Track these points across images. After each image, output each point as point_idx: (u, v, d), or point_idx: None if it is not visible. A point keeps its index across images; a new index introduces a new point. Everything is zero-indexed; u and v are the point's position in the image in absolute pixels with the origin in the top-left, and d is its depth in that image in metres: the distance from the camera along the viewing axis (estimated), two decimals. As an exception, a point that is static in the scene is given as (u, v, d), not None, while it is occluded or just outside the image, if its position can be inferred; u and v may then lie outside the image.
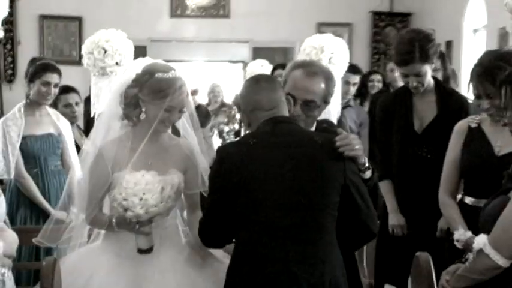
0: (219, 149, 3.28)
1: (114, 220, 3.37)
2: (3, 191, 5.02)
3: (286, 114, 3.21)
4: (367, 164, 3.15)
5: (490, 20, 9.80)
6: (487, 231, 2.79)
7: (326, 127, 3.66)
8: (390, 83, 7.06)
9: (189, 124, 3.65)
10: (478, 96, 3.64)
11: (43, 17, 11.84)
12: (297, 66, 3.57)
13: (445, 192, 3.88)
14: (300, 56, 6.61)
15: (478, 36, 10.28)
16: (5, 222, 2.83)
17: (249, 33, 12.09)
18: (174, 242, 3.56)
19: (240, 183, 3.03)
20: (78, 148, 5.54)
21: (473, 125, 3.78)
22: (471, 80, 3.66)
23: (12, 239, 2.73)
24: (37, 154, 5.21)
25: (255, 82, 3.29)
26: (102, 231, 3.60)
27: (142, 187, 3.23)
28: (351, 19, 12.07)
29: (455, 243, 3.53)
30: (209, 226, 3.20)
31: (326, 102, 3.49)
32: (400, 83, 6.80)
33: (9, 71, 11.51)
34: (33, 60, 5.56)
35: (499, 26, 9.25)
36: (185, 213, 3.84)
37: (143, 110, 3.42)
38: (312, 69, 3.53)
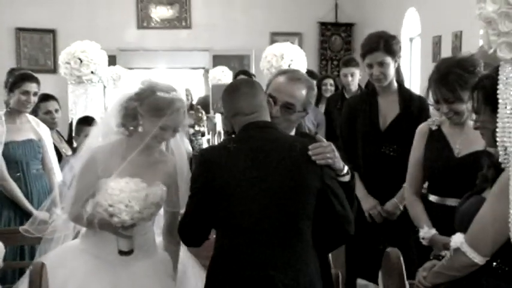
0: (200, 153, 3.12)
1: (96, 222, 3.17)
2: None
3: (268, 118, 3.00)
4: (345, 170, 2.94)
5: (424, 29, 9.96)
6: (463, 230, 2.63)
7: (305, 132, 3.47)
8: (344, 86, 6.96)
9: (182, 142, 3.53)
10: (436, 102, 3.49)
11: (19, 30, 11.72)
12: (281, 73, 3.35)
13: (410, 192, 3.73)
14: (262, 63, 6.53)
15: (414, 44, 10.41)
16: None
17: (208, 42, 12.04)
18: (150, 249, 3.37)
19: (219, 188, 2.83)
20: (58, 152, 5.46)
21: (434, 128, 3.63)
22: (429, 86, 3.51)
23: None
24: (19, 159, 4.97)
25: (236, 88, 3.07)
26: (83, 229, 3.42)
27: (127, 194, 3.06)
28: (300, 29, 12.04)
29: (421, 240, 3.44)
30: (188, 226, 2.99)
31: (305, 110, 3.24)
32: (353, 87, 6.82)
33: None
34: (11, 71, 5.35)
35: (433, 35, 9.49)
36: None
37: (140, 123, 3.25)
38: (295, 75, 3.31)
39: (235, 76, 8.27)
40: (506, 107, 2.31)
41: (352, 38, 12.71)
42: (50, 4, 11.43)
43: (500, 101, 2.34)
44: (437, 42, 9.44)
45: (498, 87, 2.35)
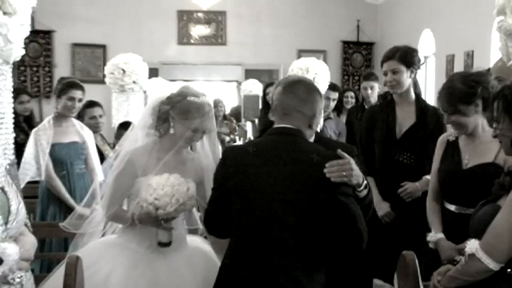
0: (225, 150, 2.88)
1: (136, 217, 3.08)
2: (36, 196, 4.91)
3: (301, 125, 2.69)
4: (363, 185, 2.64)
5: (438, 49, 9.86)
6: (478, 237, 2.41)
7: (327, 140, 3.25)
8: (364, 99, 6.78)
9: (208, 143, 3.37)
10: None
11: (74, 45, 11.75)
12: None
13: (430, 199, 3.49)
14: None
15: (429, 62, 10.15)
16: (26, 225, 2.41)
17: (241, 58, 11.97)
18: (182, 242, 3.23)
19: (234, 188, 2.65)
20: (100, 154, 5.40)
21: (451, 139, 3.40)
22: (437, 98, 3.35)
23: (30, 244, 2.34)
24: (64, 159, 4.92)
25: (292, 84, 2.76)
26: (120, 225, 3.29)
27: (171, 188, 2.96)
28: (325, 47, 11.85)
29: (429, 243, 3.27)
30: (210, 217, 2.83)
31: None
32: (372, 99, 6.61)
33: (47, 89, 11.47)
34: (61, 80, 5.27)
35: (446, 53, 9.39)
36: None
37: (171, 125, 3.16)
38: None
39: (265, 88, 8.16)
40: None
41: (372, 55, 12.55)
42: (101, 23, 11.48)
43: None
44: (450, 61, 9.34)
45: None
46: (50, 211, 4.87)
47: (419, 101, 4.15)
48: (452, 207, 3.30)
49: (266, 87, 8.14)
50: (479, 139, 3.24)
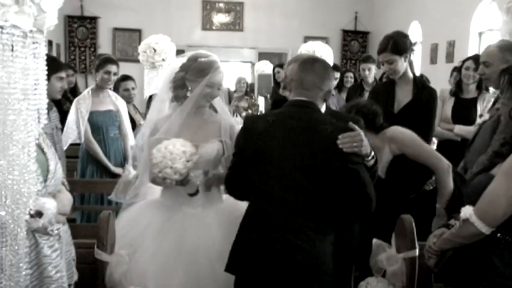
0: (246, 119, 2.66)
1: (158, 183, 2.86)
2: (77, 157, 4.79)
3: (316, 99, 2.48)
4: (370, 156, 2.44)
5: (424, 38, 9.68)
6: (472, 203, 2.17)
7: (336, 112, 3.03)
8: (362, 79, 6.52)
9: (225, 104, 3.16)
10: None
11: (115, 29, 11.63)
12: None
13: None
14: None
15: (416, 49, 9.67)
16: (63, 183, 2.21)
17: (255, 43, 11.77)
18: (214, 198, 2.94)
19: (254, 153, 2.43)
20: (133, 121, 5.19)
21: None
22: None
23: (67, 200, 2.15)
24: (101, 125, 4.71)
25: (312, 62, 2.54)
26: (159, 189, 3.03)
27: (168, 158, 2.69)
28: (327, 34, 11.52)
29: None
30: (231, 180, 2.60)
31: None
32: (370, 79, 6.35)
33: (92, 66, 11.31)
34: (98, 56, 5.08)
35: (431, 42, 9.33)
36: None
37: (189, 88, 2.90)
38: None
39: (274, 67, 7.97)
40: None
41: (367, 43, 12.29)
42: (137, 11, 11.35)
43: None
44: (434, 49, 9.23)
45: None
46: (89, 170, 4.71)
47: (416, 81, 3.88)
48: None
49: (275, 68, 8.00)
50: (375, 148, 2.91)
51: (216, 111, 3.06)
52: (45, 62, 1.69)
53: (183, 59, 2.97)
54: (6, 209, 1.65)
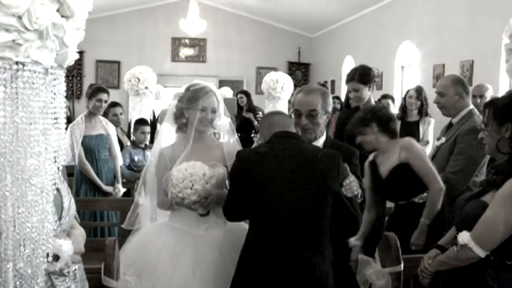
0: (239, 153, 2.24)
1: (174, 203, 2.41)
2: (72, 175, 4.31)
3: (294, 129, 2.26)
4: (360, 196, 2.21)
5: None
6: (466, 228, 1.88)
7: (334, 141, 2.73)
8: None
9: (229, 134, 2.74)
10: None
11: (98, 61, 11.15)
12: (299, 91, 2.58)
13: (365, 209, 2.83)
14: (263, 85, 5.83)
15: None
16: (75, 217, 1.77)
17: (216, 72, 11.30)
18: (221, 222, 2.49)
19: (251, 184, 2.08)
20: (120, 143, 4.80)
21: (371, 159, 2.77)
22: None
23: (81, 237, 1.74)
24: (93, 148, 4.28)
25: (275, 113, 2.45)
26: (168, 212, 2.60)
27: (188, 180, 2.31)
28: (276, 65, 11.20)
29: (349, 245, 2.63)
30: (228, 210, 2.23)
31: (326, 112, 2.48)
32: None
33: (78, 92, 10.92)
34: (91, 85, 4.66)
35: None
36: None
37: (186, 116, 2.54)
38: (309, 88, 2.56)
39: (237, 94, 7.64)
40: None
41: (308, 72, 12.12)
42: (117, 45, 10.90)
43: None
44: None
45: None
46: (83, 189, 4.27)
47: None
48: (400, 202, 2.75)
49: (238, 93, 7.72)
50: (384, 149, 2.68)
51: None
52: (64, 99, 1.28)
53: (181, 91, 2.60)
54: (26, 259, 1.23)
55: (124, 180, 4.48)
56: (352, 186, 2.14)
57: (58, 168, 1.35)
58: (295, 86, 11.64)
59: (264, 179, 2.05)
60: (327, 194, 2.04)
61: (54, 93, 1.24)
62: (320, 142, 2.49)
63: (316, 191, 2.03)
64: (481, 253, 1.83)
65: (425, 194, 2.62)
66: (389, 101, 6.05)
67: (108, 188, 4.27)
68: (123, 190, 4.36)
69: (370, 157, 2.79)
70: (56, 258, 1.42)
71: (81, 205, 3.87)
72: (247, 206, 2.12)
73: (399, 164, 2.61)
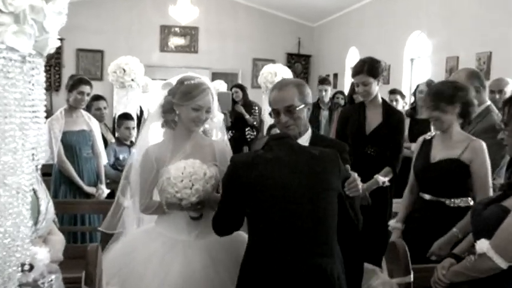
0: (233, 158, 2.22)
1: (165, 206, 2.43)
2: (49, 174, 4.27)
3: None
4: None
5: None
6: (486, 236, 1.87)
7: (321, 137, 2.73)
8: (319, 99, 6.27)
9: (221, 131, 2.70)
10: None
11: (79, 50, 11.06)
12: (272, 88, 2.56)
13: (406, 190, 2.99)
14: (260, 78, 5.80)
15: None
16: (54, 221, 1.75)
17: (209, 63, 11.29)
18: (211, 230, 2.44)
19: (248, 186, 2.05)
20: (104, 139, 4.74)
21: (428, 137, 2.88)
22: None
23: (59, 244, 1.70)
24: (74, 145, 4.23)
25: None
26: (155, 216, 2.57)
27: (189, 179, 2.31)
28: (274, 57, 11.19)
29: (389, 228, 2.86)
30: (220, 220, 2.20)
31: (306, 103, 2.45)
32: (326, 99, 6.12)
33: (57, 84, 10.80)
34: (71, 76, 4.60)
35: None
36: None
37: (177, 113, 2.49)
38: (282, 83, 2.52)
39: (231, 88, 7.62)
40: None
41: (309, 65, 12.14)
42: (100, 33, 10.79)
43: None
44: None
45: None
46: (62, 190, 4.21)
47: (385, 105, 3.66)
48: (426, 196, 2.79)
49: (233, 87, 7.70)
50: (449, 137, 2.75)
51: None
52: (44, 91, 1.26)
53: (172, 83, 2.55)
54: (-3, 268, 1.20)
55: (108, 181, 4.46)
56: (356, 184, 2.15)
57: (36, 166, 1.32)
58: (295, 80, 11.90)
59: (264, 185, 2.03)
60: (331, 191, 2.06)
61: (33, 84, 1.21)
62: (305, 138, 2.49)
63: (319, 191, 2.03)
64: (502, 264, 1.81)
65: (459, 200, 2.64)
66: (398, 97, 6.03)
67: (90, 189, 4.23)
68: (106, 191, 4.32)
69: (428, 136, 2.88)
70: (30, 268, 1.39)
71: (60, 208, 3.81)
72: (242, 217, 2.11)
73: (458, 160, 2.67)
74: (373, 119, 3.57)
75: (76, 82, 4.25)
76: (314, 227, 2.00)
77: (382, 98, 3.64)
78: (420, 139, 2.91)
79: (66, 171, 4.15)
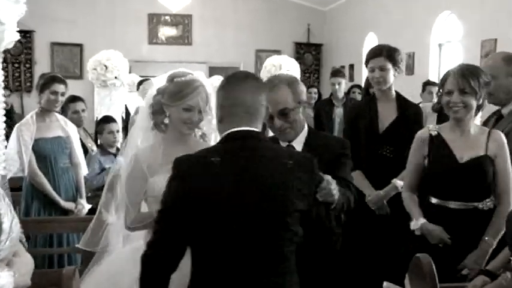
0: (177, 163, 1.97)
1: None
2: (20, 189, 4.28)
3: (260, 124, 2.05)
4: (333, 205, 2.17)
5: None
6: None
7: (319, 134, 2.77)
8: (332, 93, 6.33)
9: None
10: (448, 92, 2.75)
11: (53, 44, 11.12)
12: None
13: (406, 189, 3.00)
14: (262, 72, 5.82)
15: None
16: (21, 241, 1.76)
17: (206, 57, 11.39)
18: None
19: (195, 203, 1.90)
20: (84, 147, 4.77)
21: (434, 133, 2.86)
22: (447, 77, 2.80)
23: (26, 267, 1.69)
24: (48, 154, 4.24)
25: (244, 77, 2.06)
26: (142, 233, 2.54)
27: None
28: (279, 47, 11.21)
29: (415, 232, 2.79)
30: (162, 246, 1.96)
31: (299, 102, 2.48)
32: (340, 94, 6.13)
33: (28, 84, 10.85)
34: (42, 75, 4.70)
35: None
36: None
37: (167, 114, 2.52)
38: (273, 83, 2.47)
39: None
40: None
41: (320, 55, 12.22)
42: (78, 24, 10.86)
43: None
44: None
45: None
46: (35, 206, 4.22)
47: (400, 97, 3.68)
48: (452, 204, 2.76)
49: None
50: (466, 132, 2.78)
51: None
52: (2, 92, 1.27)
53: (162, 80, 2.58)
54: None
55: (89, 194, 4.47)
56: (329, 189, 2.08)
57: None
58: (304, 73, 12.00)
59: (212, 197, 1.90)
60: (295, 216, 1.96)
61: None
62: (302, 139, 2.53)
63: (281, 214, 1.94)
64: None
65: (489, 201, 2.70)
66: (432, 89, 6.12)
67: (68, 205, 4.23)
68: (88, 207, 4.34)
69: (432, 131, 2.86)
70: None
71: (32, 226, 3.92)
72: (186, 239, 1.95)
73: (487, 156, 2.70)
74: (387, 114, 3.58)
75: (48, 81, 4.26)
76: (266, 256, 1.93)
77: (395, 91, 3.66)
78: (422, 136, 2.87)
79: (39, 185, 4.16)
